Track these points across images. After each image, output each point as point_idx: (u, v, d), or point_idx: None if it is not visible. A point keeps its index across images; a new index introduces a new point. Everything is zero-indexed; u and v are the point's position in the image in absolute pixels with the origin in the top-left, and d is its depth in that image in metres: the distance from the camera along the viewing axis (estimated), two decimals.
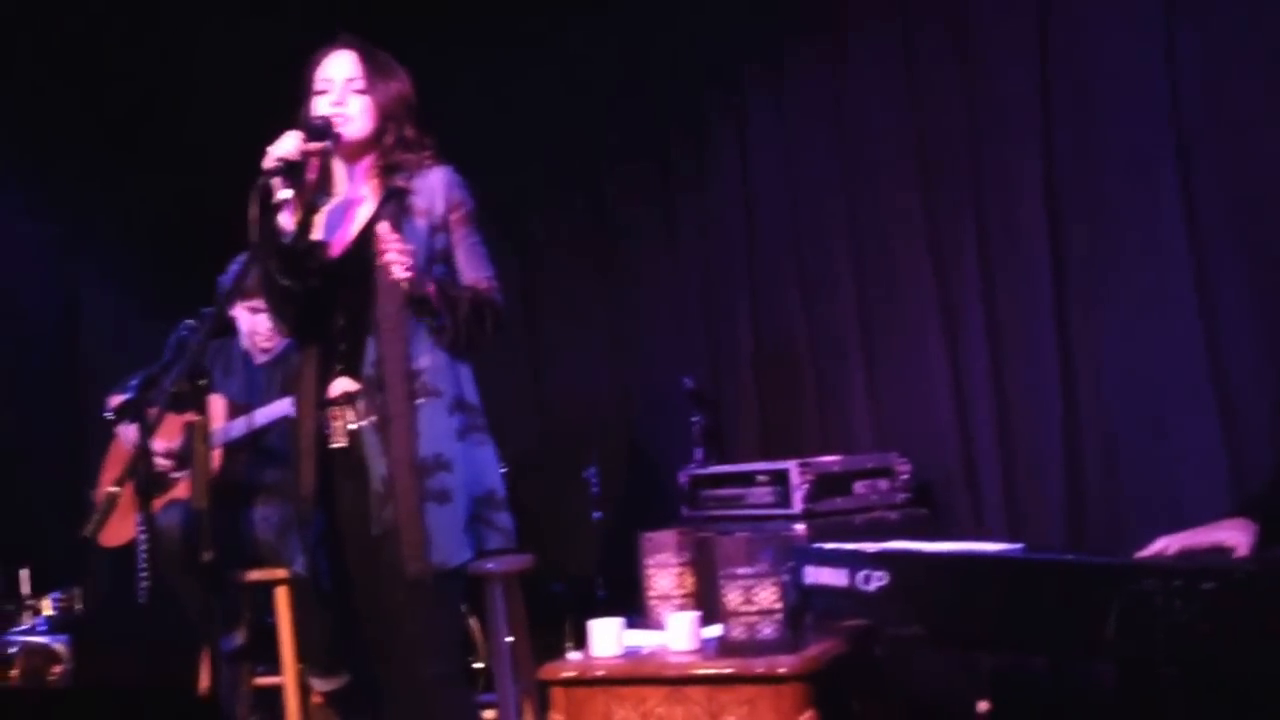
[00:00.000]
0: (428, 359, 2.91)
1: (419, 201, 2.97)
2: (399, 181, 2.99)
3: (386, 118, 3.00)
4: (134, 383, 3.84)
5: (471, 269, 3.00)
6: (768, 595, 3.12)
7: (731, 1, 5.10)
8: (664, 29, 5.30)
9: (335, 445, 2.97)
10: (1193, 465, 3.95)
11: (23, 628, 4.76)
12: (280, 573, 3.68)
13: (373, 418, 2.90)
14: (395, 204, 2.97)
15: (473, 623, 4.56)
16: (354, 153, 3.02)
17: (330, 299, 2.98)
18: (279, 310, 3.01)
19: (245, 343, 4.14)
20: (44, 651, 4.62)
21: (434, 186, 2.99)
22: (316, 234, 3.00)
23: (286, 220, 2.90)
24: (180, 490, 3.99)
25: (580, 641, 3.48)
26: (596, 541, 4.90)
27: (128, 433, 4.03)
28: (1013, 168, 4.39)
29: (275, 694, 3.88)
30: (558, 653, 3.42)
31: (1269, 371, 3.88)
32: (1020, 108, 4.35)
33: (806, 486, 4.11)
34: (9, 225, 5.31)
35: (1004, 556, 2.91)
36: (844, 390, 4.80)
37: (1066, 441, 4.24)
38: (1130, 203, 4.13)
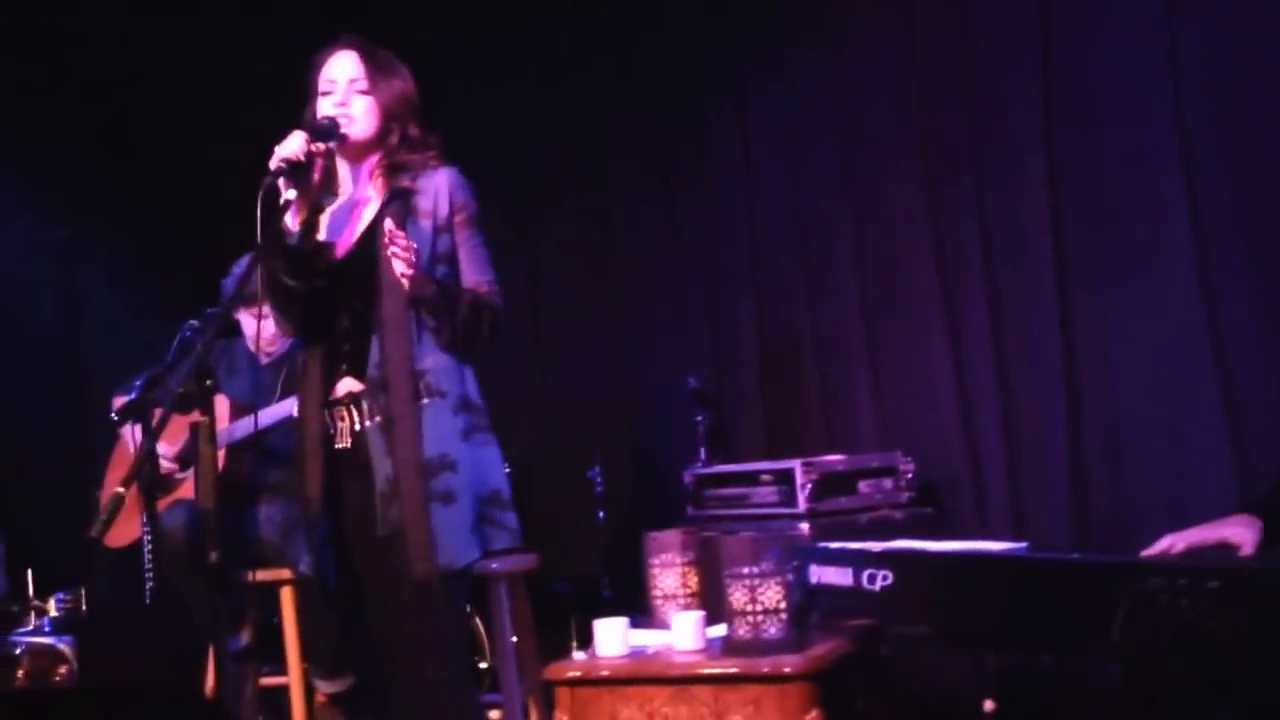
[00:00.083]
0: (432, 359, 2.91)
1: (423, 202, 2.97)
2: (404, 182, 2.99)
3: (390, 117, 3.00)
4: (138, 383, 3.84)
5: (473, 271, 2.99)
6: (772, 595, 3.12)
7: (734, 1, 5.10)
8: (666, 29, 5.29)
9: (340, 446, 2.97)
10: (1198, 464, 3.96)
11: (28, 629, 4.76)
12: (286, 573, 3.68)
13: (377, 418, 2.91)
14: (400, 204, 2.97)
15: (477, 623, 4.56)
16: (358, 153, 3.02)
17: (335, 299, 2.98)
18: (284, 310, 3.02)
19: (250, 344, 4.14)
20: (49, 652, 4.62)
21: (439, 188, 2.98)
22: (321, 235, 3.00)
23: (291, 221, 2.90)
24: (184, 490, 4.00)
25: (585, 641, 3.48)
26: (601, 541, 4.90)
27: (132, 433, 4.03)
28: (1016, 167, 4.39)
29: (281, 694, 3.88)
30: (563, 653, 3.41)
31: (1274, 370, 3.88)
32: (1023, 107, 4.35)
33: (811, 486, 4.11)
34: (12, 227, 5.31)
35: (1009, 556, 2.91)
36: (848, 389, 4.80)
37: (1071, 440, 4.24)
38: (1134, 201, 4.13)
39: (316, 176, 2.97)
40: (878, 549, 2.95)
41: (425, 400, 2.89)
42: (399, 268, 2.77)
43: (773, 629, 3.11)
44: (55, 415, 5.39)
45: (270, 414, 3.80)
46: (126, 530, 4.00)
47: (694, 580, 3.50)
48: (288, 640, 3.76)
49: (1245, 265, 3.94)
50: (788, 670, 3.01)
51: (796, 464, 4.14)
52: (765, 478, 4.24)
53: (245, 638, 3.91)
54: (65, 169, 5.45)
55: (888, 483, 4.32)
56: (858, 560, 2.89)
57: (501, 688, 3.74)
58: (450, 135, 3.10)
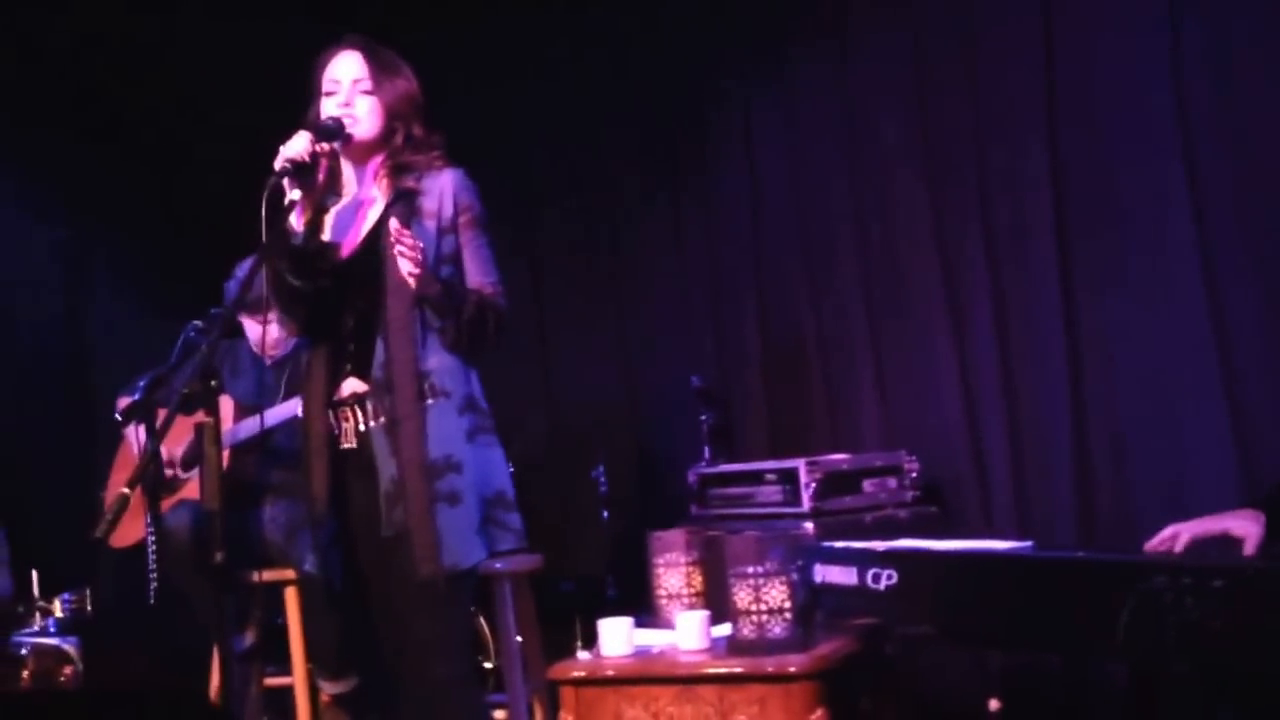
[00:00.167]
0: (437, 360, 2.91)
1: (428, 203, 2.97)
2: (409, 182, 2.99)
3: (394, 117, 3.00)
4: (142, 384, 3.84)
5: (477, 272, 2.99)
6: (777, 594, 3.12)
7: (736, 1, 5.10)
8: (669, 29, 5.29)
9: (345, 446, 2.97)
10: (1202, 462, 3.95)
11: (33, 629, 4.76)
12: (290, 574, 3.69)
13: (382, 419, 2.91)
14: (404, 205, 2.97)
15: (482, 623, 4.56)
16: (363, 153, 3.02)
17: (339, 300, 2.98)
18: (288, 311, 3.02)
19: (254, 347, 4.14)
20: (54, 653, 4.62)
21: (444, 188, 2.99)
22: (326, 235, 3.00)
23: (296, 221, 2.90)
24: (189, 491, 4.00)
25: (590, 641, 3.48)
26: (605, 541, 4.90)
27: (136, 434, 4.03)
28: (1019, 166, 4.39)
29: (285, 695, 3.88)
30: (567, 652, 3.41)
31: (1278, 369, 3.88)
32: (1026, 106, 4.35)
33: (815, 485, 4.11)
34: (12, 227, 5.31)
35: (1014, 554, 2.91)
36: (852, 388, 4.80)
37: (1075, 439, 4.24)
38: (1137, 200, 4.13)
39: (321, 177, 2.97)
40: (882, 548, 2.95)
41: (430, 401, 2.89)
42: (405, 266, 2.77)
43: (777, 628, 3.11)
44: (58, 416, 5.39)
45: (275, 414, 3.80)
46: (131, 531, 4.00)
47: (698, 580, 3.50)
48: (292, 641, 3.76)
49: (1248, 264, 3.94)
50: (793, 670, 3.01)
51: (801, 463, 4.14)
52: (769, 477, 4.23)
53: (250, 638, 3.92)
54: (65, 169, 5.45)
55: (892, 482, 4.32)
56: (862, 559, 2.88)
57: (506, 688, 3.74)
58: (450, 135, 3.10)
